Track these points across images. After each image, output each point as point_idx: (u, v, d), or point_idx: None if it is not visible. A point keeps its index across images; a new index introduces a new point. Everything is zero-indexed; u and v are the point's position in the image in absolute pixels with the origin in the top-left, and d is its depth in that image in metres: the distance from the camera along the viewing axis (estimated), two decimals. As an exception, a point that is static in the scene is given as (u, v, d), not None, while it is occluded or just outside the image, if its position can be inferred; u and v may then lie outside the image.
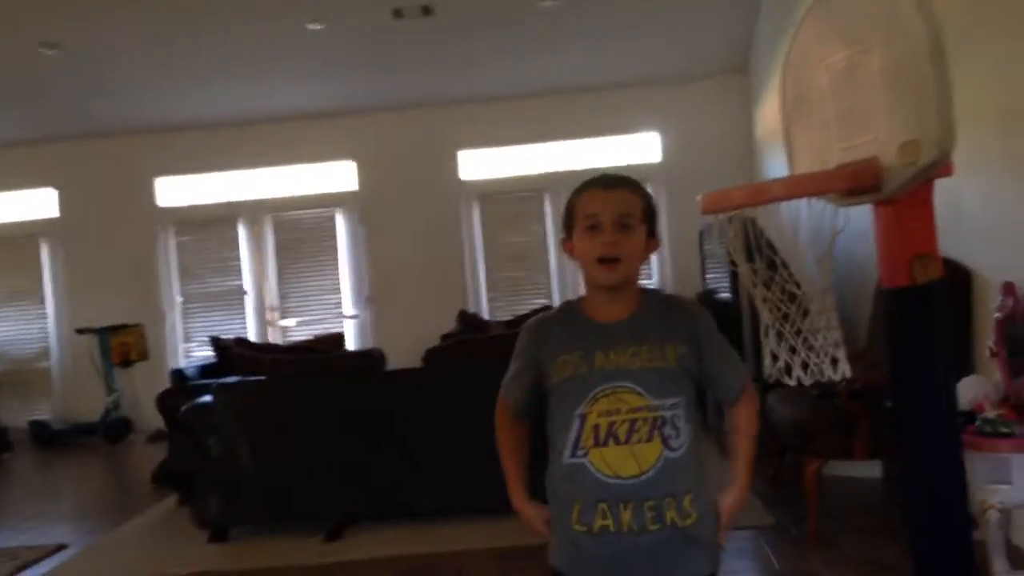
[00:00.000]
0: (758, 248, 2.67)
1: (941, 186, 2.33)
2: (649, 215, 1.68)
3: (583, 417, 1.61)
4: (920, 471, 2.28)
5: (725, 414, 1.79)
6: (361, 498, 4.37)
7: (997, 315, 3.23)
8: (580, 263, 1.68)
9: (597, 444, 1.60)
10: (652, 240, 1.69)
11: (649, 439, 1.59)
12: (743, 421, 1.77)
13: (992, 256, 3.51)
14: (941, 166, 2.19)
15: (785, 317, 2.57)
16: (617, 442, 1.59)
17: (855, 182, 2.30)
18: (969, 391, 3.14)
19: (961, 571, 2.23)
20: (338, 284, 8.80)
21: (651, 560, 1.60)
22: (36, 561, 4.37)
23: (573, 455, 1.62)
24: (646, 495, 1.59)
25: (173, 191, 8.83)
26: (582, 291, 1.76)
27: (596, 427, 1.60)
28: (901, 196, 2.27)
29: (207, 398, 4.53)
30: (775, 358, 2.55)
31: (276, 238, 8.81)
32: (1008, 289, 3.19)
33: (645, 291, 1.73)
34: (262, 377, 4.63)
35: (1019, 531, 3.23)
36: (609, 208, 1.63)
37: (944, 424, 2.27)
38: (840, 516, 3.92)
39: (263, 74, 7.72)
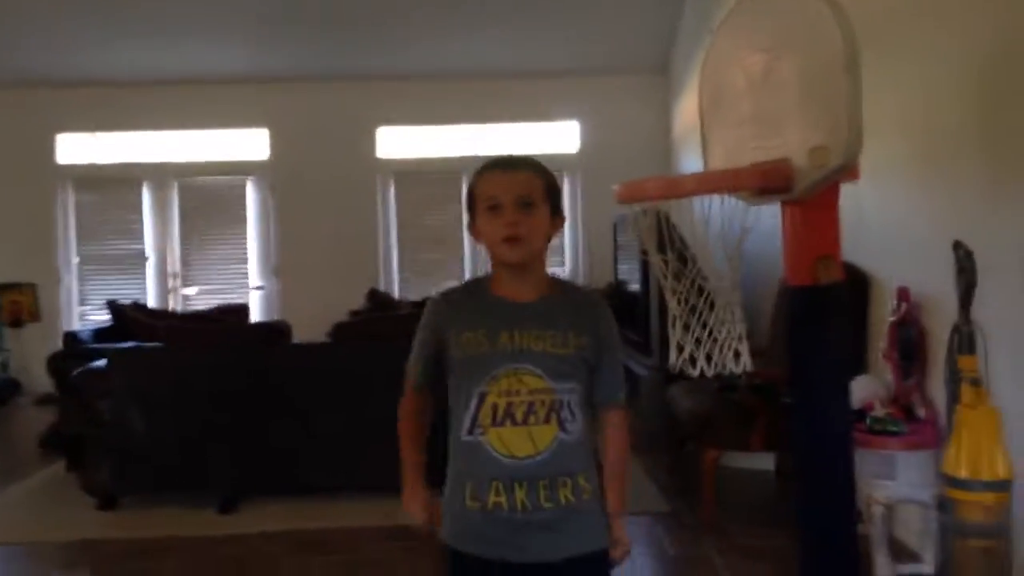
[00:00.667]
0: (670, 241, 2.72)
1: (846, 192, 2.41)
2: (551, 193, 1.69)
3: (482, 396, 1.62)
4: (812, 465, 2.37)
5: (599, 418, 1.77)
6: (258, 471, 4.30)
7: (891, 319, 3.37)
8: (486, 244, 1.69)
9: (495, 423, 1.62)
10: (557, 218, 1.71)
11: (546, 421, 1.61)
12: (615, 450, 1.77)
13: (889, 262, 3.65)
14: (848, 171, 2.27)
15: (693, 309, 2.63)
16: (514, 422, 1.61)
17: (766, 181, 2.37)
18: (861, 390, 3.28)
19: (845, 562, 2.33)
20: (245, 254, 8.58)
21: (543, 534, 1.63)
22: (-93, 525, 4.17)
23: (470, 433, 1.64)
24: (540, 474, 1.62)
25: (75, 148, 8.45)
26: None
27: (495, 406, 1.62)
28: (809, 198, 2.34)
29: (101, 363, 4.38)
30: (681, 349, 2.61)
31: (182, 203, 8.52)
32: (902, 295, 3.34)
33: (555, 278, 1.75)
34: (159, 344, 4.50)
35: (901, 525, 3.38)
36: (509, 190, 1.64)
37: (838, 420, 2.36)
38: (734, 506, 4.04)
39: (175, 32, 7.44)
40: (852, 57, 2.20)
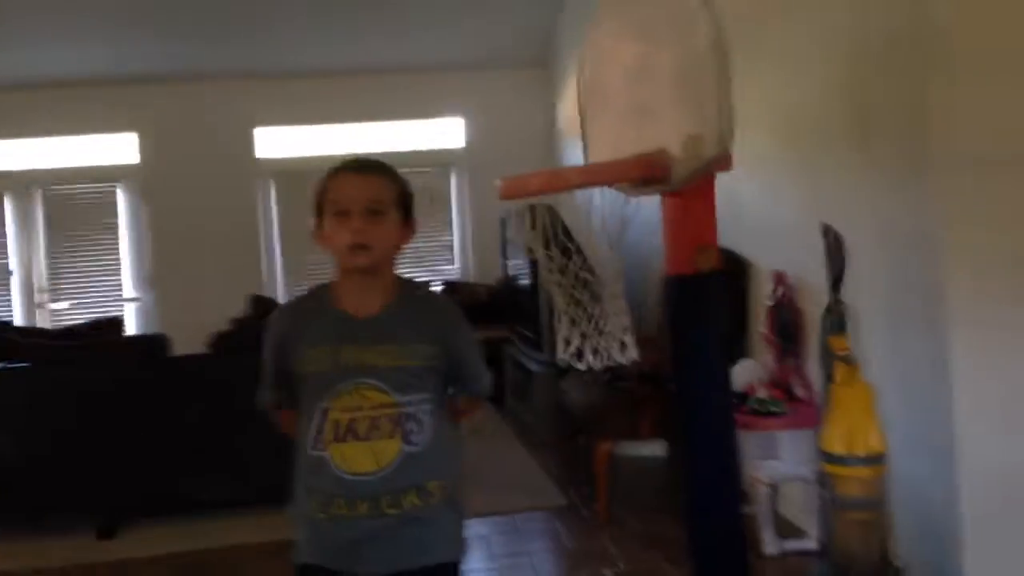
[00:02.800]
0: (555, 235, 2.72)
1: (723, 182, 2.45)
2: (403, 200, 1.66)
3: (325, 411, 1.60)
4: (697, 450, 2.40)
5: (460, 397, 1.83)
6: (137, 491, 4.10)
7: (768, 303, 3.47)
8: (331, 250, 1.63)
9: (337, 439, 1.59)
10: (408, 226, 1.67)
11: (390, 436, 1.59)
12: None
13: (766, 248, 3.76)
14: (722, 161, 2.31)
15: (578, 303, 2.63)
16: (357, 438, 1.59)
17: (647, 171, 2.38)
18: (743, 374, 3.37)
19: (732, 543, 2.37)
20: (118, 265, 8.21)
21: (385, 543, 1.60)
22: None
23: (314, 447, 1.61)
24: (382, 490, 1.59)
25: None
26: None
27: (337, 423, 1.59)
28: (686, 188, 2.37)
29: (-40, 387, 4.10)
30: (567, 343, 2.61)
31: (47, 213, 8.09)
32: (779, 279, 3.44)
33: (402, 283, 1.70)
34: (25, 364, 4.24)
35: (786, 503, 3.49)
36: (359, 194, 1.59)
37: (720, 404, 2.40)
38: (629, 495, 4.09)
39: (30, 33, 7.05)
40: (721, 48, 2.23)
